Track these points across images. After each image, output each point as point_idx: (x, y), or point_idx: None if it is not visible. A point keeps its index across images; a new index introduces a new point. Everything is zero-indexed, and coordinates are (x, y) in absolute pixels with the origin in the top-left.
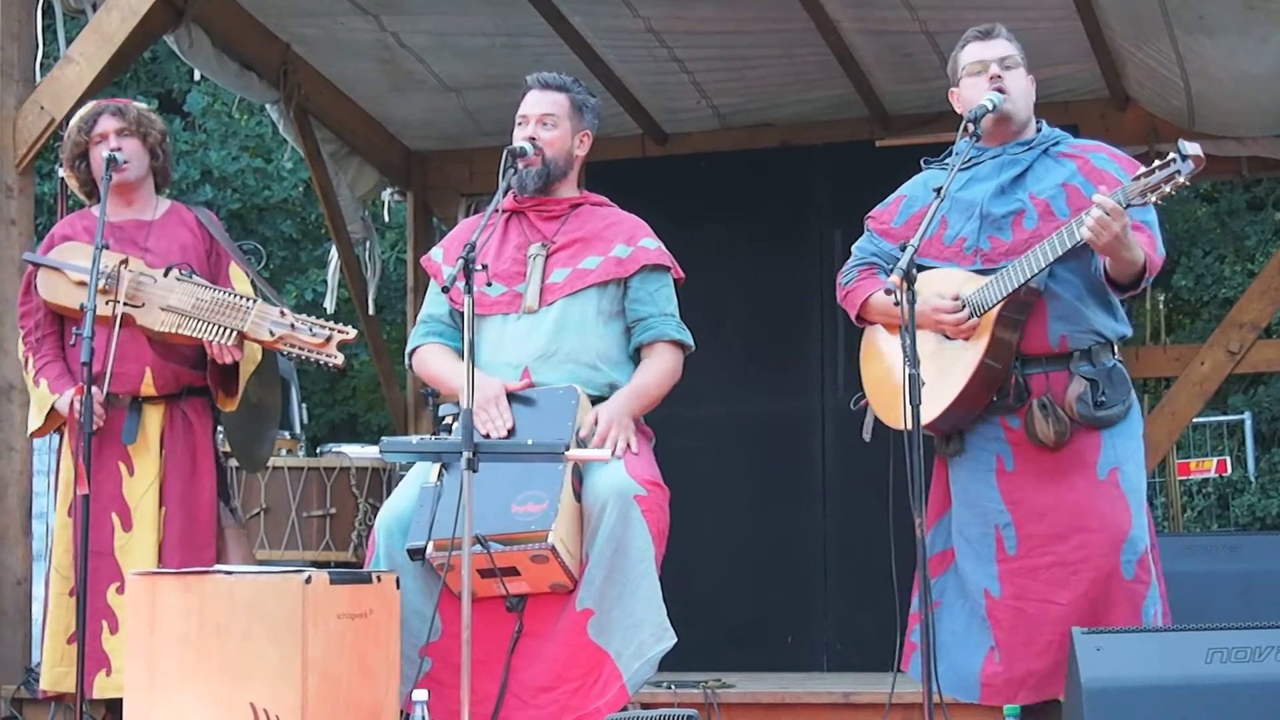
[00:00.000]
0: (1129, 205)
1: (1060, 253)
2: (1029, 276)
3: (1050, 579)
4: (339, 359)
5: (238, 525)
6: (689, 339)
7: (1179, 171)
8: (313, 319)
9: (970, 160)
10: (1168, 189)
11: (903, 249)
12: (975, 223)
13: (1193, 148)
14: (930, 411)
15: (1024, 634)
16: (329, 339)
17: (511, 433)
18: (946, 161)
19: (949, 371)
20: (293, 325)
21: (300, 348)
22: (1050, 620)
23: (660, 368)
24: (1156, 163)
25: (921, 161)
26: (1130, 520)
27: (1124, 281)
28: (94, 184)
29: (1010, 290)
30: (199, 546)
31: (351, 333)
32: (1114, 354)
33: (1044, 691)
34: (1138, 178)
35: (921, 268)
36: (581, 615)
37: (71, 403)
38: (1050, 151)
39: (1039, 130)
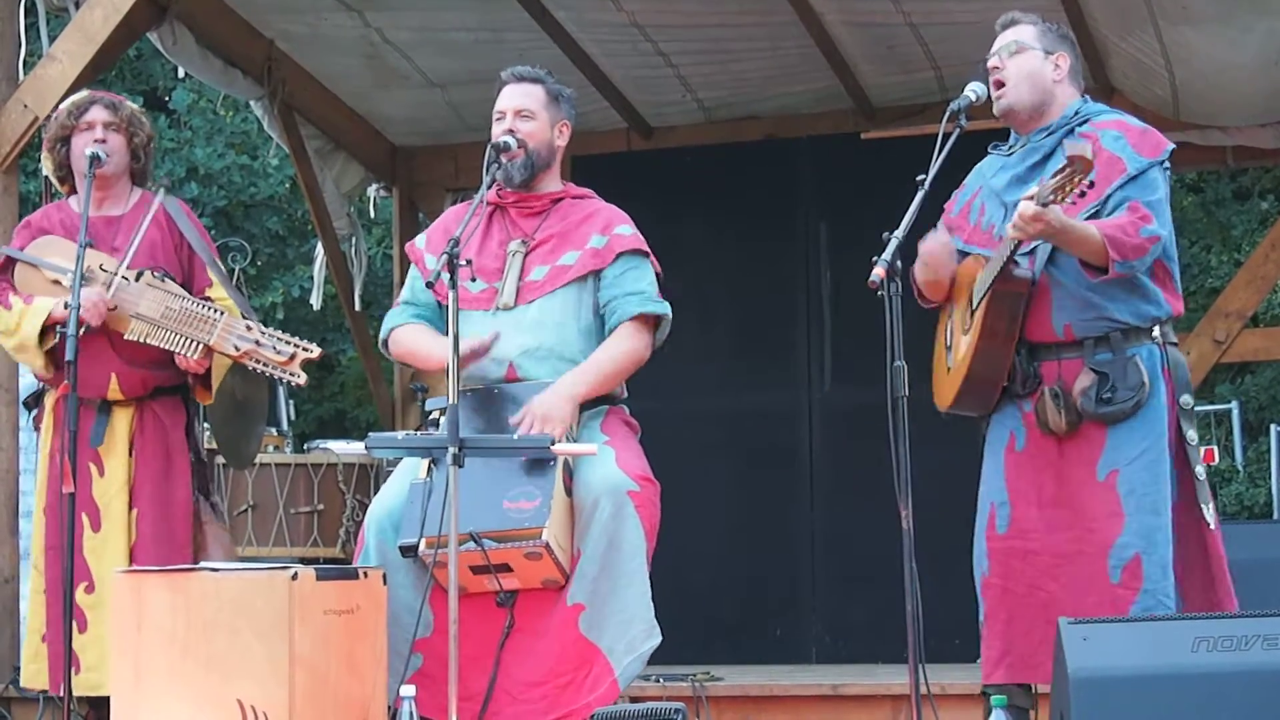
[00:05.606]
0: (1045, 204)
1: (1010, 250)
2: (995, 270)
3: (1041, 565)
4: (301, 378)
5: (219, 521)
6: (657, 308)
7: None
8: (278, 334)
9: (1011, 149)
10: (1070, 188)
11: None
12: (1001, 211)
13: (1073, 148)
14: (945, 397)
15: (1006, 614)
16: (293, 356)
17: (488, 352)
18: (1002, 148)
19: (959, 358)
20: (257, 341)
21: (264, 363)
22: (1036, 605)
23: (617, 346)
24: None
25: (989, 147)
26: (1121, 526)
27: (1098, 264)
28: (68, 169)
29: (988, 281)
30: (176, 546)
31: (316, 351)
32: (1153, 337)
33: (1023, 673)
34: (1050, 178)
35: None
36: (573, 610)
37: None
38: (1075, 132)
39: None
